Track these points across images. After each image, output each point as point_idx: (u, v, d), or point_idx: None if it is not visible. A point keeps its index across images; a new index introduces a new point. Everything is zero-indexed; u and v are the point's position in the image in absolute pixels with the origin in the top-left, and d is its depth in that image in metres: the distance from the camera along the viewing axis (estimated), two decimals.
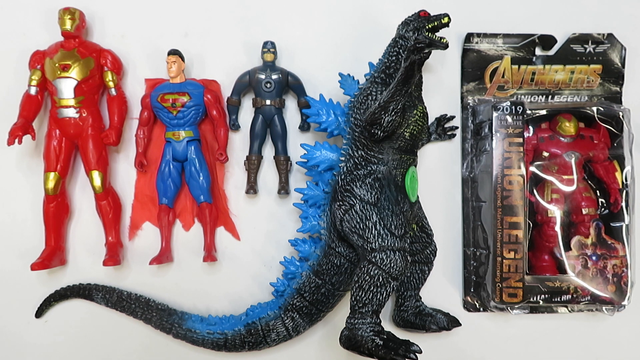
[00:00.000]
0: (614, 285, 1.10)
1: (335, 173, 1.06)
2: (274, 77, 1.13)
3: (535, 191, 1.14)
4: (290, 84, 1.15)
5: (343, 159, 1.05)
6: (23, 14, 1.18)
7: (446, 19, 1.00)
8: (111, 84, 1.14)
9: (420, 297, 1.15)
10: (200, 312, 1.16)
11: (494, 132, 1.09)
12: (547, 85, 1.18)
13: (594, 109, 1.12)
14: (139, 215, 1.18)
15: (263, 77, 1.13)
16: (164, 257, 1.12)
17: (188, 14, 1.19)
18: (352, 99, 1.06)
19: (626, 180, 1.12)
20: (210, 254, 1.12)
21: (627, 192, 1.12)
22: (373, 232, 0.97)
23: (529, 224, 1.13)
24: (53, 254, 1.12)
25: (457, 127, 1.19)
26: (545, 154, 1.13)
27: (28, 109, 1.11)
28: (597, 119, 1.13)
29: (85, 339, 1.17)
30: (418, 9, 1.05)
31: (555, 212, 1.12)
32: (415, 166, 1.07)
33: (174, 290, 1.17)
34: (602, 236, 1.11)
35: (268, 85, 1.13)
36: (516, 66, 1.18)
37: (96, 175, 1.12)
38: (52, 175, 1.11)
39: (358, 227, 0.99)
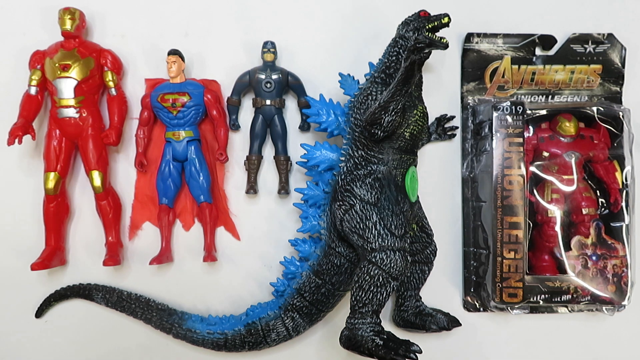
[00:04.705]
0: (614, 285, 1.10)
1: (335, 173, 1.06)
2: (274, 77, 1.13)
3: (535, 191, 1.14)
4: (290, 84, 1.15)
5: (343, 159, 1.05)
6: (23, 14, 1.18)
7: (446, 19, 1.00)
8: (111, 84, 1.14)
9: (420, 297, 1.14)
10: (200, 312, 1.16)
11: (494, 132, 1.09)
12: (547, 85, 1.18)
13: (594, 109, 1.12)
14: (139, 215, 1.18)
15: (263, 77, 1.13)
16: (164, 257, 1.12)
17: (188, 14, 1.19)
18: (352, 99, 1.06)
19: (626, 180, 1.12)
20: (210, 254, 1.12)
21: (627, 192, 1.12)
22: (373, 232, 0.97)
23: (529, 224, 1.13)
24: (53, 254, 1.12)
25: (457, 127, 1.19)
26: (546, 154, 1.13)
27: (28, 109, 1.11)
28: (597, 119, 1.13)
29: (85, 339, 1.17)
30: (418, 9, 1.05)
31: (555, 212, 1.12)
32: (415, 166, 1.07)
33: (174, 290, 1.17)
34: (602, 236, 1.11)
35: (268, 85, 1.13)
36: (516, 66, 1.18)
37: (96, 175, 1.12)
38: (52, 175, 1.11)
39: (358, 227, 0.99)
